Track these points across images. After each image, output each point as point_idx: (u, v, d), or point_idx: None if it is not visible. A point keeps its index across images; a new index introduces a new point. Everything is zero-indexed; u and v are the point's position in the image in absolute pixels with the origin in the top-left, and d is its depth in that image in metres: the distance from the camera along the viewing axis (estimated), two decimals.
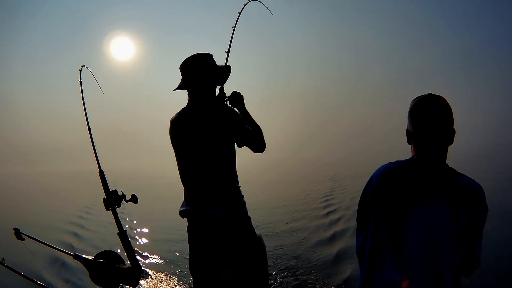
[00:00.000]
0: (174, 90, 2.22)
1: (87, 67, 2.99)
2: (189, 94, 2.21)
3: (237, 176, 2.22)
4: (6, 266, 2.76)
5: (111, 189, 2.65)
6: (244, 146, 2.21)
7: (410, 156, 1.58)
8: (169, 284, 4.97)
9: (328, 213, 9.72)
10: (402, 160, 1.57)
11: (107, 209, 2.62)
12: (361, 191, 1.65)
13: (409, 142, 1.58)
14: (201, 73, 2.15)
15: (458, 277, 1.45)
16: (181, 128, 2.17)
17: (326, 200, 12.05)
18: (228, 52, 2.50)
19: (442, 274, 1.40)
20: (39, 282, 2.88)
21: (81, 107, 2.90)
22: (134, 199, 2.56)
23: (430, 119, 1.48)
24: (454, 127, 1.50)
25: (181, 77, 2.21)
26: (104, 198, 2.62)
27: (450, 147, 1.52)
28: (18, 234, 2.78)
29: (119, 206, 2.62)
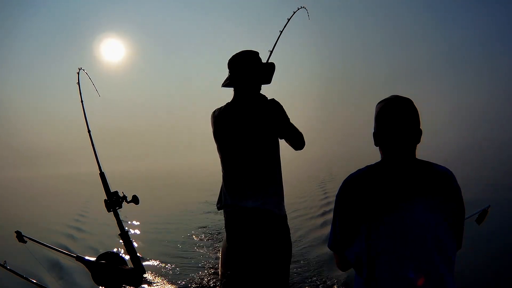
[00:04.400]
0: (222, 86, 2.29)
1: (84, 70, 3.00)
2: (235, 90, 2.28)
3: (280, 174, 2.23)
4: (8, 269, 2.77)
5: (112, 190, 2.67)
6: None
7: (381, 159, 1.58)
8: None
9: (324, 213, 9.75)
10: (371, 164, 1.56)
11: (109, 211, 2.64)
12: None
13: (376, 145, 1.58)
14: (248, 71, 2.20)
15: (453, 265, 1.47)
16: (225, 122, 2.22)
17: (324, 197, 12.09)
18: (271, 52, 2.64)
19: (441, 263, 1.41)
20: (42, 285, 2.89)
21: (80, 109, 2.91)
22: (135, 200, 2.58)
23: (396, 121, 1.49)
24: (420, 127, 1.52)
25: (228, 73, 2.27)
26: (105, 200, 2.63)
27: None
28: (20, 236, 2.79)
29: (120, 207, 2.65)
